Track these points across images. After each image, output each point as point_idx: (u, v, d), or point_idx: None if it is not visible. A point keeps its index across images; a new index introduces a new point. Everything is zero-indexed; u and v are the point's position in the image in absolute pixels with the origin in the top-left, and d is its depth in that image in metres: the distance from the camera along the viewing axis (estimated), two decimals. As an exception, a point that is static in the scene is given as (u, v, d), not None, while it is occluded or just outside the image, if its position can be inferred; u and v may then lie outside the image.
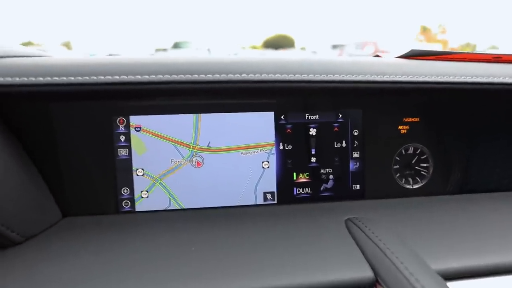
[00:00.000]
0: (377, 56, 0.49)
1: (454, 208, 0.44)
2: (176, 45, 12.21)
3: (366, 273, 0.31)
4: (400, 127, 0.48)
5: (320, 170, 0.46)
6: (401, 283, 0.28)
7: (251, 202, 0.45)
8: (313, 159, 0.46)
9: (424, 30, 18.73)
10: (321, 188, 0.46)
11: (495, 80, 0.43)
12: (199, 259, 0.33)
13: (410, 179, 0.49)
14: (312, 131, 0.45)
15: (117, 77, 0.37)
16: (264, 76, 0.39)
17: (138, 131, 0.43)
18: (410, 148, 0.48)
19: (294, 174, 0.46)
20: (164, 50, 11.65)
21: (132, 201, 0.44)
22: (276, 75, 0.39)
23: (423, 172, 0.49)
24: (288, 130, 0.45)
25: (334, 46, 12.09)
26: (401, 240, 0.35)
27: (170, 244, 0.36)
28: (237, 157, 0.45)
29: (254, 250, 0.34)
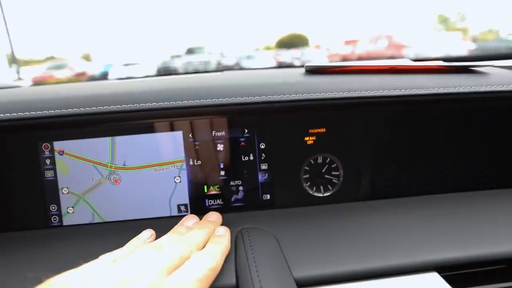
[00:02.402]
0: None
1: (356, 214, 0.46)
2: (189, 51, 12.41)
3: (229, 281, 0.35)
4: (306, 138, 0.50)
5: (230, 183, 0.50)
6: None
7: (167, 214, 0.49)
8: (222, 173, 0.49)
9: (442, 19, 18.15)
10: (232, 199, 0.50)
11: (390, 93, 0.45)
12: None
13: (322, 187, 0.51)
14: (220, 147, 0.49)
15: (40, 112, 0.45)
16: (166, 104, 0.45)
17: (61, 154, 0.48)
18: (319, 158, 0.51)
19: (205, 187, 0.49)
20: (178, 56, 11.87)
21: (60, 216, 0.49)
22: (180, 102, 0.45)
23: (334, 180, 0.51)
24: (197, 147, 0.49)
25: (347, 42, 11.96)
26: (274, 249, 0.38)
27: (94, 252, 0.41)
28: (151, 173, 0.49)
29: None
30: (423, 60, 0.75)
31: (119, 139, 0.48)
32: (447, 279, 0.36)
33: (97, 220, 0.49)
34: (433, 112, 0.51)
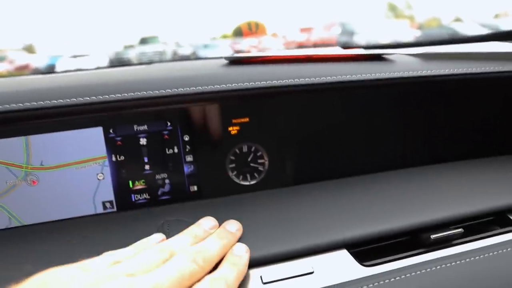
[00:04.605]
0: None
1: (279, 200, 0.49)
2: (143, 41, 11.89)
3: None
4: (230, 128, 0.51)
5: (155, 176, 0.49)
6: None
7: (91, 212, 0.48)
8: (147, 167, 0.49)
9: (391, 6, 18.96)
10: (159, 193, 0.50)
11: (305, 81, 0.47)
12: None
13: (248, 176, 0.53)
14: (143, 141, 0.49)
15: None
16: (82, 100, 0.44)
17: (-32, 157, 0.45)
18: (244, 147, 0.52)
19: (130, 182, 0.49)
20: (132, 46, 11.36)
21: (-27, 223, 0.46)
22: (94, 98, 0.44)
23: (260, 168, 0.53)
24: (119, 142, 0.48)
25: (303, 30, 12.13)
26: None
27: (11, 257, 0.39)
28: (72, 172, 0.47)
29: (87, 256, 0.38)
30: (351, 48, 0.78)
31: (33, 138, 0.46)
32: (356, 254, 0.39)
33: (14, 224, 0.47)
34: (348, 98, 0.54)
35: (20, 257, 0.40)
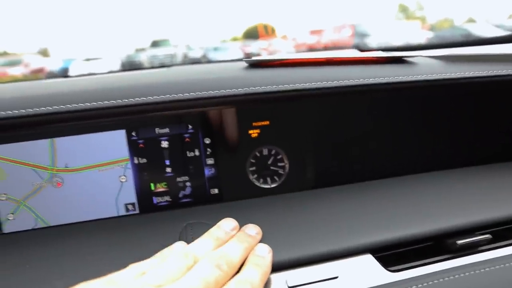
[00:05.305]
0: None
1: (300, 204, 0.48)
2: (154, 44, 12.03)
3: None
4: (251, 131, 0.51)
5: (177, 179, 0.50)
6: None
7: (114, 214, 0.49)
8: (168, 169, 0.50)
9: (402, 8, 18.79)
10: (180, 195, 0.50)
11: (328, 84, 0.47)
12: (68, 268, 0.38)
13: (268, 179, 0.53)
14: (164, 144, 0.49)
15: None
16: (105, 104, 0.44)
17: (-4, 159, 0.46)
18: (264, 150, 0.52)
19: (152, 184, 0.49)
20: (143, 49, 11.49)
21: None
22: (117, 101, 0.44)
23: (280, 172, 0.53)
24: (141, 145, 0.49)
25: (313, 32, 12.10)
26: None
27: (38, 258, 0.40)
28: (95, 174, 0.48)
29: (111, 257, 0.40)
30: (368, 50, 0.78)
31: (59, 140, 0.47)
32: (381, 259, 0.39)
33: (40, 225, 0.48)
34: (370, 101, 0.54)
35: (47, 258, 0.41)
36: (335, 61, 0.52)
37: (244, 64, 0.52)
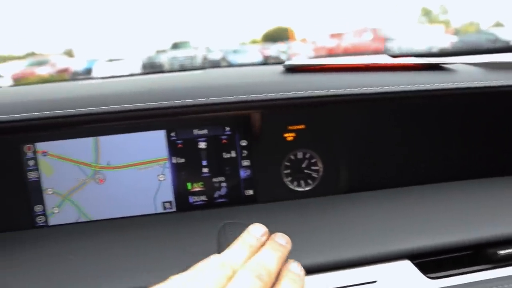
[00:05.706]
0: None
1: (334, 207, 0.49)
2: (175, 46, 12.22)
3: None
4: (286, 135, 0.52)
5: (212, 179, 0.51)
6: None
7: (152, 211, 0.51)
8: (205, 170, 0.51)
9: (425, 11, 18.42)
10: (215, 196, 0.51)
11: (364, 91, 0.47)
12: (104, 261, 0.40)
13: (302, 182, 0.53)
14: (202, 145, 0.50)
15: (22, 115, 0.44)
16: (148, 105, 0.46)
17: (44, 155, 0.49)
18: (299, 154, 0.53)
19: (189, 184, 0.51)
20: (164, 51, 11.69)
21: (45, 216, 0.50)
22: (162, 103, 0.46)
23: (314, 175, 0.53)
24: (179, 145, 0.50)
25: (333, 35, 12.02)
26: None
27: (81, 251, 0.42)
28: (135, 172, 0.50)
29: (149, 253, 0.41)
30: (399, 56, 0.77)
31: (102, 139, 0.49)
32: (419, 266, 0.39)
33: (83, 219, 0.50)
34: (408, 107, 0.53)
35: (90, 251, 0.43)
36: (371, 68, 0.53)
37: (281, 68, 0.53)
